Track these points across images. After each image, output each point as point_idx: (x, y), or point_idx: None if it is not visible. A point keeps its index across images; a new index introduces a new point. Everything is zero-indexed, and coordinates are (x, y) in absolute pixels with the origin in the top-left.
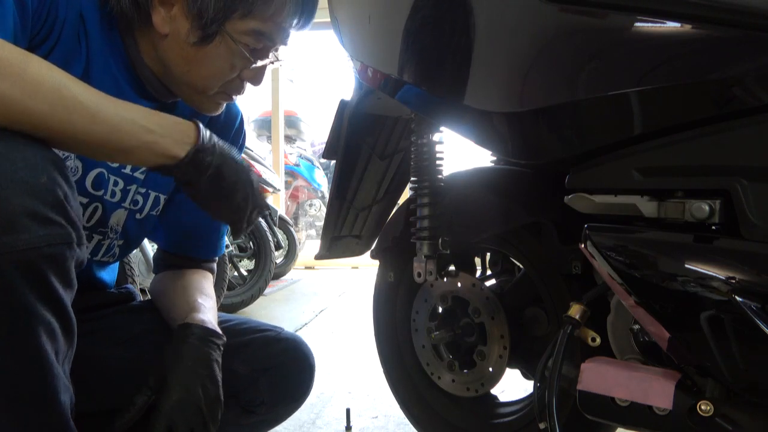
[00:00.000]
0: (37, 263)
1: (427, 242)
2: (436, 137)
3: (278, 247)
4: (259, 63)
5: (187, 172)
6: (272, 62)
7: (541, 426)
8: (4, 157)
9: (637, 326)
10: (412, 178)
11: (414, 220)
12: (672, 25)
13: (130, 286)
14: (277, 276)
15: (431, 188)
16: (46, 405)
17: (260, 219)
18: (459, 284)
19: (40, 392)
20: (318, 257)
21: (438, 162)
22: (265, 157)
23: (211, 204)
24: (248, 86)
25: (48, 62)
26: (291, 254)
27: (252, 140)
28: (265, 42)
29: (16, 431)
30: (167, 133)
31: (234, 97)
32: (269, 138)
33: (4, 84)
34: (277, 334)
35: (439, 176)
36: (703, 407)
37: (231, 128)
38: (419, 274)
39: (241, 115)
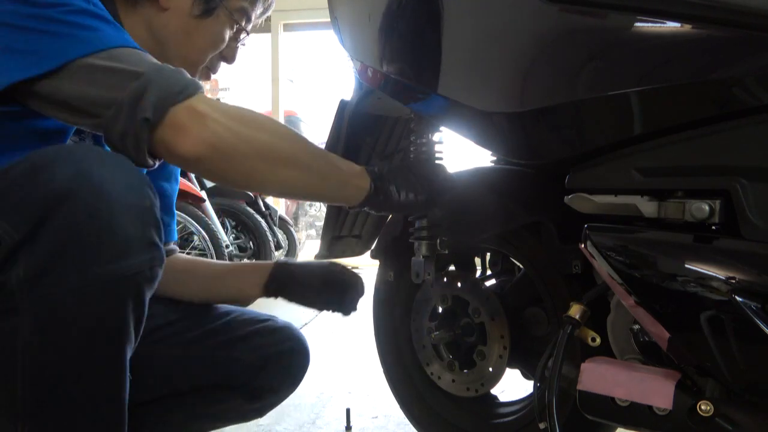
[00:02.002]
0: (142, 286)
1: (426, 242)
2: (435, 137)
3: (278, 247)
4: (239, 40)
5: (376, 200)
6: (243, 39)
7: (541, 426)
8: (113, 183)
9: (637, 326)
10: None
11: (412, 220)
12: (672, 25)
13: None
14: None
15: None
16: (115, 406)
17: (260, 219)
18: (459, 284)
19: (114, 397)
20: (318, 257)
21: (437, 162)
22: None
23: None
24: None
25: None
26: (291, 254)
27: None
28: (245, 20)
29: (86, 424)
30: (351, 174)
31: (211, 76)
32: None
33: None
34: (275, 323)
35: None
36: (703, 407)
37: None
38: (417, 275)
39: None
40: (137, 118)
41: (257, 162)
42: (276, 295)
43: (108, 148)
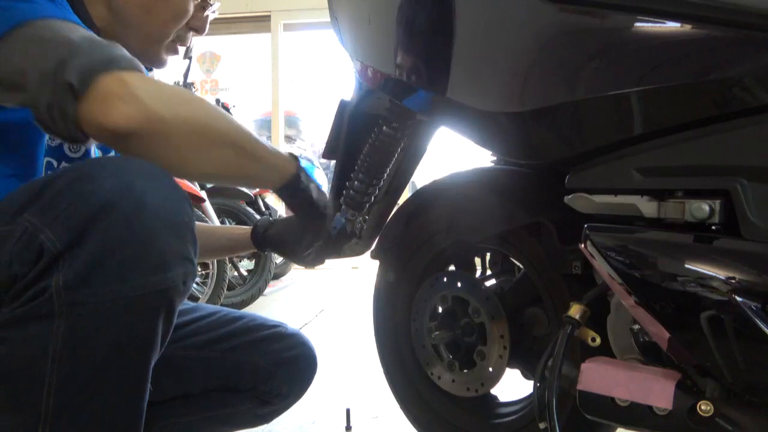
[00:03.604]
0: (174, 299)
1: (351, 210)
2: (403, 134)
3: None
4: (208, 10)
5: (298, 184)
6: (212, 8)
7: (541, 426)
8: (154, 197)
9: (637, 326)
10: (363, 155)
11: (350, 186)
12: (672, 25)
13: None
14: (277, 276)
15: (374, 173)
16: (135, 414)
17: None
18: (459, 284)
19: (136, 405)
20: None
21: (391, 155)
22: None
23: (312, 221)
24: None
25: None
26: None
27: None
28: None
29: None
30: (278, 156)
31: (180, 49)
32: (269, 138)
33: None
34: (285, 330)
35: (387, 168)
36: (703, 407)
37: None
38: (334, 228)
39: None
40: (59, 83)
41: (192, 138)
42: (264, 243)
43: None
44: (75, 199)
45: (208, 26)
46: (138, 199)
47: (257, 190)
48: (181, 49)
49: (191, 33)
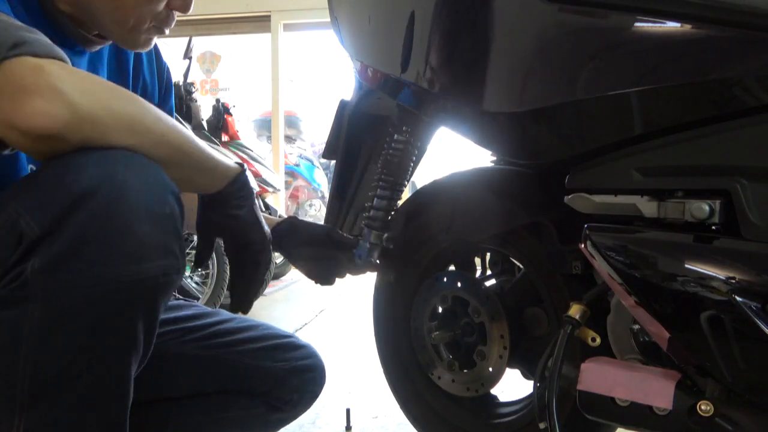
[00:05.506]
0: (154, 293)
1: (375, 232)
2: (415, 138)
3: None
4: None
5: (242, 192)
6: None
7: (541, 426)
8: (135, 187)
9: (637, 326)
10: (380, 170)
11: (369, 208)
12: (672, 25)
13: None
14: (277, 276)
15: (395, 186)
16: (112, 415)
17: None
18: (459, 284)
19: (112, 405)
20: None
21: (408, 162)
22: (265, 157)
23: (253, 229)
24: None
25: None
26: None
27: (252, 140)
28: None
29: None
30: (220, 157)
31: (165, 30)
32: (269, 138)
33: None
34: (297, 340)
35: (406, 178)
36: (703, 407)
37: (162, 79)
38: (360, 257)
39: (167, 67)
40: None
41: (127, 137)
42: (280, 249)
43: None
44: (57, 187)
45: (192, 4)
46: (119, 189)
47: (258, 189)
48: (166, 30)
49: (174, 13)
